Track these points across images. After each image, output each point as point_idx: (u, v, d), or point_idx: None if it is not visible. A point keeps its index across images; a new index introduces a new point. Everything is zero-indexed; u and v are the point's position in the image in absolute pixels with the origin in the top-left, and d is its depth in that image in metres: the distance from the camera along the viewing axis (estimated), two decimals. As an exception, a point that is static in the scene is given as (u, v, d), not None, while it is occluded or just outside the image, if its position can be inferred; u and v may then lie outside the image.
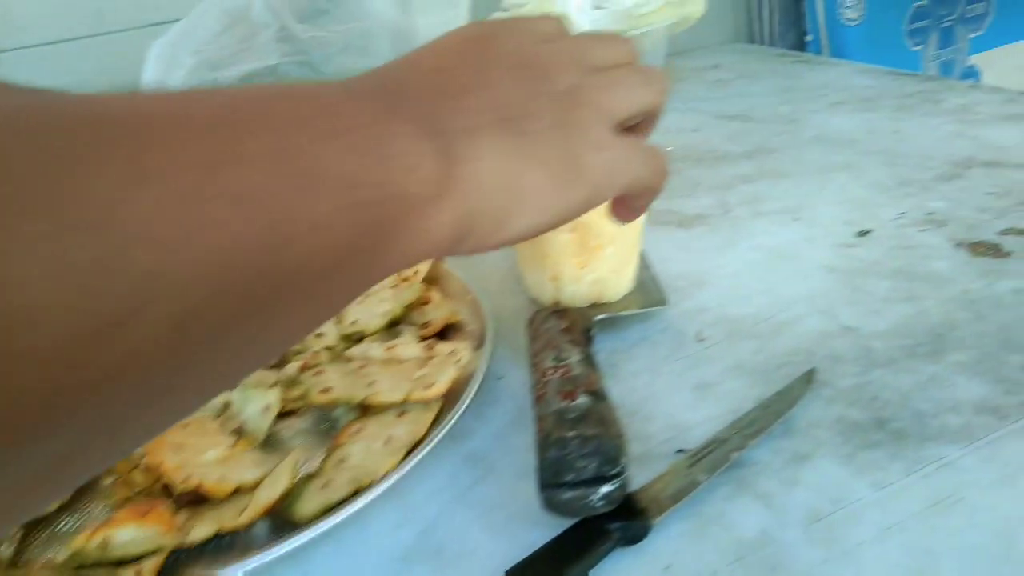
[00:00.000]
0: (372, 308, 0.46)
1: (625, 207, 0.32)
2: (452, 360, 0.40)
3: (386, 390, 0.38)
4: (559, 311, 0.42)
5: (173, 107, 0.17)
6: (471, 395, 0.38)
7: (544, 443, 0.31)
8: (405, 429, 0.37)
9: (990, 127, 0.68)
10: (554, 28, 0.28)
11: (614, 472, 0.30)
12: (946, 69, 1.04)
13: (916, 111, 0.74)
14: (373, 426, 0.37)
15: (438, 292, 0.48)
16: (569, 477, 0.30)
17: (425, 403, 0.38)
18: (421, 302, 0.47)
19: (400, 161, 0.20)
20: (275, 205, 0.16)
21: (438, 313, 0.46)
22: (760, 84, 0.90)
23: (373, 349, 0.42)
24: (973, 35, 1.06)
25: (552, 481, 0.30)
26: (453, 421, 0.37)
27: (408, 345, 0.43)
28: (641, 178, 0.28)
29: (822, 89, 0.85)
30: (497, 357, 0.45)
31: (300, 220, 0.17)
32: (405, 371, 0.40)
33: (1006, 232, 0.50)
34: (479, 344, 0.42)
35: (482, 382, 0.42)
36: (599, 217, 0.42)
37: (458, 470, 0.37)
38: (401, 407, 0.38)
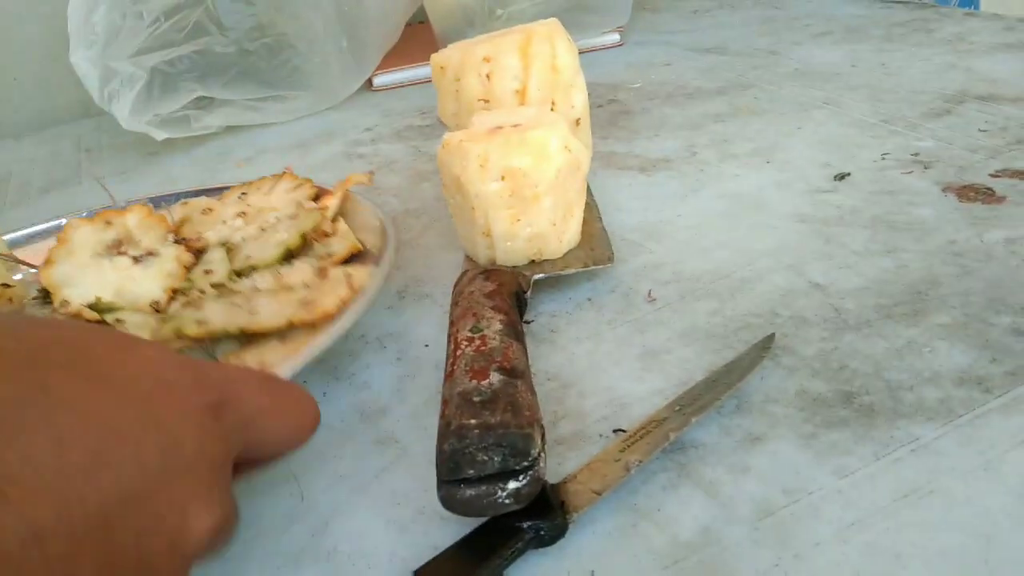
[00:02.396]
0: (267, 239, 0.41)
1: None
2: (344, 282, 0.36)
3: (267, 316, 0.34)
4: (488, 271, 0.37)
5: None
6: (357, 315, 0.34)
7: (444, 432, 0.26)
8: (284, 355, 0.33)
9: (986, 57, 0.62)
10: None
11: (523, 465, 0.25)
12: (943, -2, 0.97)
13: (906, 41, 0.68)
14: (251, 355, 0.33)
15: (344, 223, 0.43)
16: (470, 472, 0.25)
17: (312, 327, 0.34)
18: (322, 233, 0.42)
19: None
20: None
21: (342, 244, 0.41)
22: (740, 14, 0.83)
23: (261, 279, 0.38)
24: (972, -40, 0.99)
25: (450, 477, 0.25)
26: (331, 341, 0.32)
27: (299, 271, 0.38)
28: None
29: (806, 19, 0.79)
30: (424, 322, 0.40)
31: None
32: (292, 297, 0.36)
33: (999, 174, 0.45)
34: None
35: (406, 349, 0.38)
36: (534, 161, 0.37)
37: (366, 454, 0.32)
38: (284, 334, 0.34)
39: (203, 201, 0.46)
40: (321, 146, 0.65)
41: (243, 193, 0.46)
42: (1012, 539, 0.25)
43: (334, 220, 0.43)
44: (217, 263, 0.40)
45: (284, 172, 0.48)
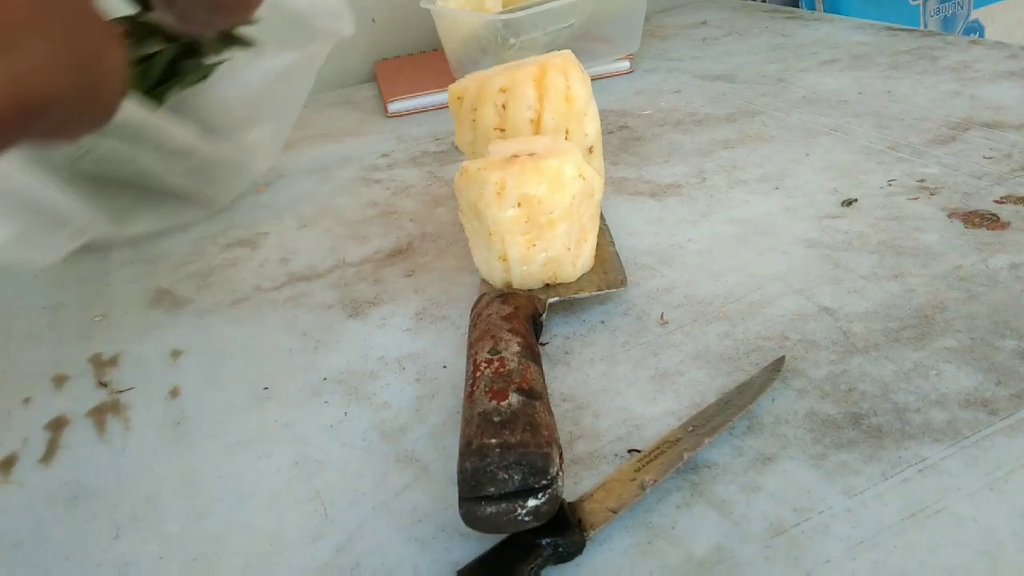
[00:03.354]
0: None
1: None
2: None
3: None
4: (505, 295, 0.38)
5: None
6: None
7: (465, 451, 0.27)
8: None
9: (990, 85, 0.63)
10: None
11: (542, 484, 0.26)
12: (948, 25, 0.99)
13: (911, 69, 0.70)
14: None
15: None
16: (491, 490, 0.26)
17: None
18: None
19: None
20: None
21: None
22: (748, 42, 0.85)
23: None
24: (977, -12, 1.00)
25: (471, 495, 0.26)
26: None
27: None
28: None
29: (813, 47, 0.80)
30: (442, 344, 0.41)
31: None
32: None
33: (1004, 200, 0.46)
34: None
35: (424, 370, 0.39)
36: (549, 189, 0.38)
37: (388, 472, 0.33)
38: None
39: None
40: (338, 171, 0.66)
41: None
42: (1017, 558, 0.26)
43: None
44: None
45: None
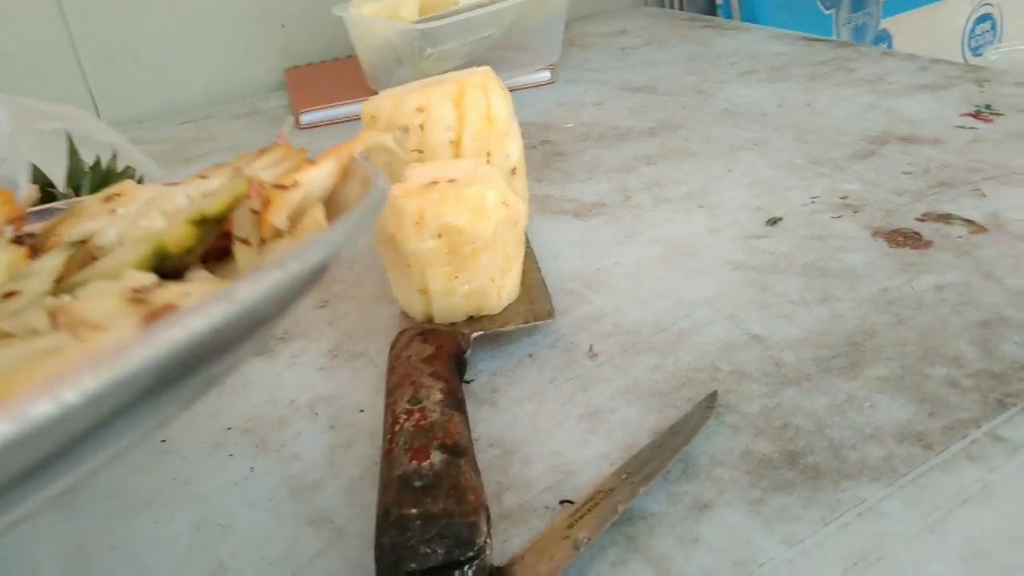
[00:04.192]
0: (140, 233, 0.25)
1: None
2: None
3: None
4: (426, 331, 0.36)
5: None
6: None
7: (383, 523, 0.25)
8: None
9: (904, 98, 0.64)
10: None
11: (468, 556, 0.24)
12: (859, 34, 1.01)
13: (829, 80, 0.70)
14: None
15: (322, 213, 0.25)
16: (412, 566, 0.24)
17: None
18: (265, 224, 0.24)
19: None
20: None
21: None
22: (668, 52, 0.84)
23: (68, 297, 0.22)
24: (884, -2, 1.03)
25: (390, 572, 0.24)
26: None
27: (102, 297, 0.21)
28: None
29: (732, 57, 0.80)
30: (358, 384, 0.38)
31: None
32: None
33: (924, 217, 0.46)
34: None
35: (339, 415, 0.36)
36: (471, 218, 0.36)
37: (299, 536, 0.30)
38: None
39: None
40: (246, 189, 0.62)
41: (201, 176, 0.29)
42: (962, 608, 0.25)
43: (300, 208, 0.25)
44: (35, 275, 0.23)
45: (275, 143, 0.31)
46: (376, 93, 0.45)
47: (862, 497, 0.29)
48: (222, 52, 0.87)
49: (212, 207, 0.24)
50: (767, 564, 0.27)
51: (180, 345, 0.16)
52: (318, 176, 0.26)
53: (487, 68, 0.44)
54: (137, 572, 0.30)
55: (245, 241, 0.23)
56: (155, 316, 0.19)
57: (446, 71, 0.46)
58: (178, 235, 0.23)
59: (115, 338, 0.19)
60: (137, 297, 0.20)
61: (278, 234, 0.24)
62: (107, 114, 0.84)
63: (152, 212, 0.25)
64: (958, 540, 0.27)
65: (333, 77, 0.84)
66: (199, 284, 0.22)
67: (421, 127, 0.42)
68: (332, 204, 0.26)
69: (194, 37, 0.85)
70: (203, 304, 0.17)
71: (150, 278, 0.21)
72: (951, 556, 0.26)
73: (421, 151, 0.42)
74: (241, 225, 0.24)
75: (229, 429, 0.36)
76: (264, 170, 0.27)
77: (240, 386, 0.39)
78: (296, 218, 0.24)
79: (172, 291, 0.21)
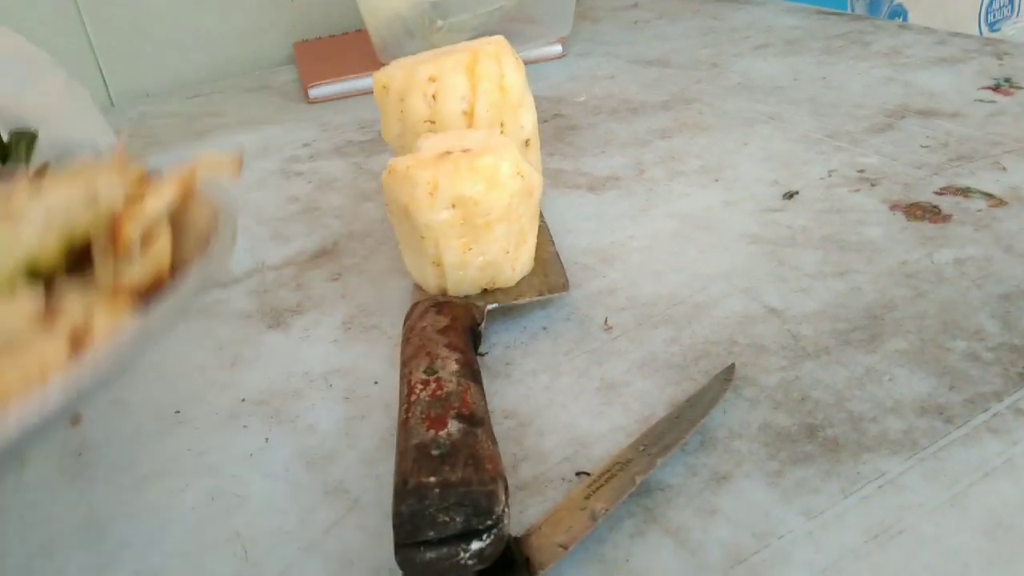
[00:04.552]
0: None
1: None
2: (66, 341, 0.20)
3: None
4: (440, 303, 0.35)
5: None
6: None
7: (401, 491, 0.24)
8: None
9: (922, 71, 0.63)
10: None
11: (487, 524, 0.24)
12: (874, 7, 1.00)
13: (844, 54, 0.69)
14: None
15: (167, 235, 0.26)
16: (430, 534, 0.24)
17: None
18: (116, 241, 0.24)
19: None
20: None
21: (143, 266, 0.25)
22: (680, 25, 0.83)
23: None
24: (900, -28, 1.01)
25: (409, 540, 0.24)
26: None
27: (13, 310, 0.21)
28: None
29: (745, 30, 0.79)
30: (372, 356, 0.38)
31: None
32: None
33: (943, 191, 0.46)
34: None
35: (354, 387, 0.36)
36: (485, 189, 0.35)
37: (314, 507, 0.30)
38: None
39: None
40: (256, 163, 0.62)
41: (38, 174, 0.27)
42: (984, 580, 0.25)
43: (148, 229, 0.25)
44: None
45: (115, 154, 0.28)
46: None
47: (882, 470, 0.29)
48: (231, 26, 0.86)
49: (78, 234, 0.25)
50: (787, 536, 0.27)
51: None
52: (158, 204, 0.26)
53: (500, 37, 0.44)
54: (152, 541, 0.30)
55: (105, 252, 0.25)
56: (78, 343, 0.20)
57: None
58: (49, 254, 0.24)
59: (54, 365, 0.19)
60: (48, 312, 0.21)
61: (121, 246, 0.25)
62: (116, 88, 0.83)
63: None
64: (980, 513, 0.27)
65: (342, 51, 0.83)
66: (98, 301, 0.22)
67: (434, 97, 0.41)
68: (180, 226, 0.27)
69: (203, 11, 0.85)
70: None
71: (39, 297, 0.22)
72: (973, 529, 0.26)
73: (433, 121, 0.41)
74: (98, 239, 0.25)
75: (243, 401, 0.36)
76: (113, 185, 0.27)
77: (253, 359, 0.39)
78: (146, 237, 0.25)
79: (76, 311, 0.21)
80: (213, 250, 0.25)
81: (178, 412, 0.36)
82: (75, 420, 0.36)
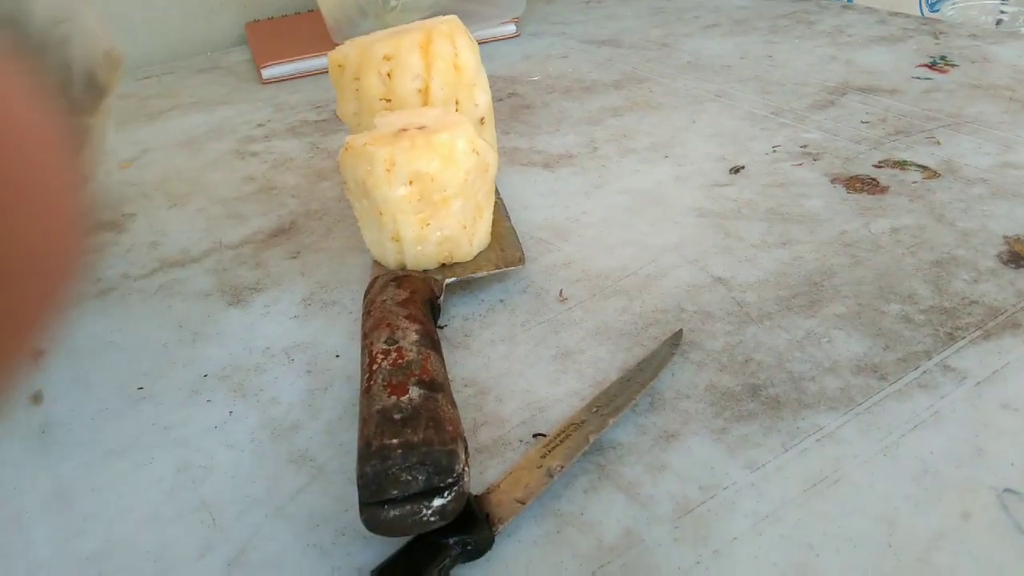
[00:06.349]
0: None
1: None
2: None
3: None
4: (400, 278, 0.36)
5: None
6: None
7: (365, 453, 0.25)
8: None
9: (863, 50, 0.66)
10: None
11: (448, 482, 0.25)
12: (819, -11, 1.02)
13: (790, 33, 0.71)
14: None
15: None
16: (393, 493, 0.25)
17: None
18: None
19: None
20: None
21: None
22: (632, 6, 0.85)
23: None
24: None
25: (373, 499, 0.25)
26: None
27: None
28: None
29: (695, 11, 0.81)
30: (333, 331, 0.39)
31: None
32: None
33: (881, 164, 0.48)
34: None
35: (315, 360, 0.37)
36: (442, 165, 0.36)
37: (280, 474, 0.31)
38: None
39: None
40: (211, 143, 0.62)
41: None
42: (911, 521, 0.26)
43: None
44: None
45: None
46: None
47: (820, 425, 0.31)
48: (181, 6, 0.85)
49: None
50: (731, 487, 0.28)
51: None
52: None
53: (454, 17, 0.44)
54: (121, 512, 0.30)
55: None
56: None
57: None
58: None
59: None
60: None
61: None
62: (63, 70, 0.81)
63: None
64: (909, 462, 0.29)
65: (295, 31, 0.82)
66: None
67: (389, 75, 0.42)
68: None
69: (150, -10, 0.83)
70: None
71: None
72: (903, 476, 0.28)
73: (389, 100, 0.42)
74: None
75: (205, 376, 0.37)
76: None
77: (214, 335, 0.39)
78: None
79: None
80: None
81: (141, 388, 0.36)
82: (36, 398, 0.36)
